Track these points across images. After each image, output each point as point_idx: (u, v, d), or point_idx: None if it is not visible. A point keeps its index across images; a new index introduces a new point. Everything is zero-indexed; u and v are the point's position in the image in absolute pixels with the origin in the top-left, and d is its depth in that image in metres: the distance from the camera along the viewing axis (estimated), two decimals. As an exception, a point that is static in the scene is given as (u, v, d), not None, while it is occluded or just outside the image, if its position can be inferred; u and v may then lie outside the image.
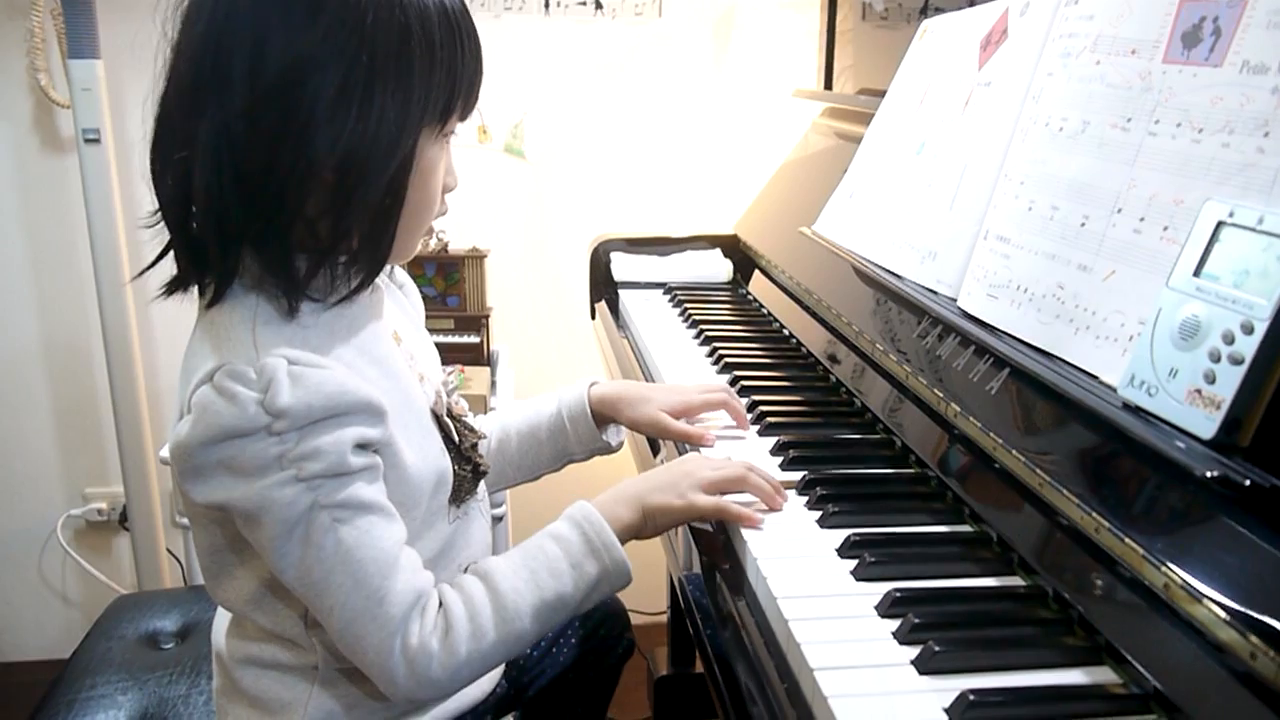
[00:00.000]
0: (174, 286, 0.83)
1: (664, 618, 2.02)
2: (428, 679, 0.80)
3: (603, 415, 1.11)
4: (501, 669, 1.03)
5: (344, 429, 0.76)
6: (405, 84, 0.76)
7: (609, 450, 1.13)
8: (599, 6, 2.05)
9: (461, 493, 0.92)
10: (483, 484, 0.98)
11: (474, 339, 1.95)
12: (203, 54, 0.75)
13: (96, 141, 1.85)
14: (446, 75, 0.79)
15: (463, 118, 0.84)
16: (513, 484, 1.14)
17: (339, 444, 0.75)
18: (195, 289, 0.83)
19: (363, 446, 0.78)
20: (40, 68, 1.90)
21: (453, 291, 1.95)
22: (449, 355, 1.90)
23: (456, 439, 0.92)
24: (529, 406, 1.13)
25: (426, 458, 0.86)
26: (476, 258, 1.95)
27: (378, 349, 0.85)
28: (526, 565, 0.85)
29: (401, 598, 0.79)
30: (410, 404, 0.87)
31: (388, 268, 0.96)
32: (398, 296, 0.99)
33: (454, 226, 1.96)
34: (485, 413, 1.76)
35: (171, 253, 0.82)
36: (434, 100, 0.79)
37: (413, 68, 0.77)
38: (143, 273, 0.83)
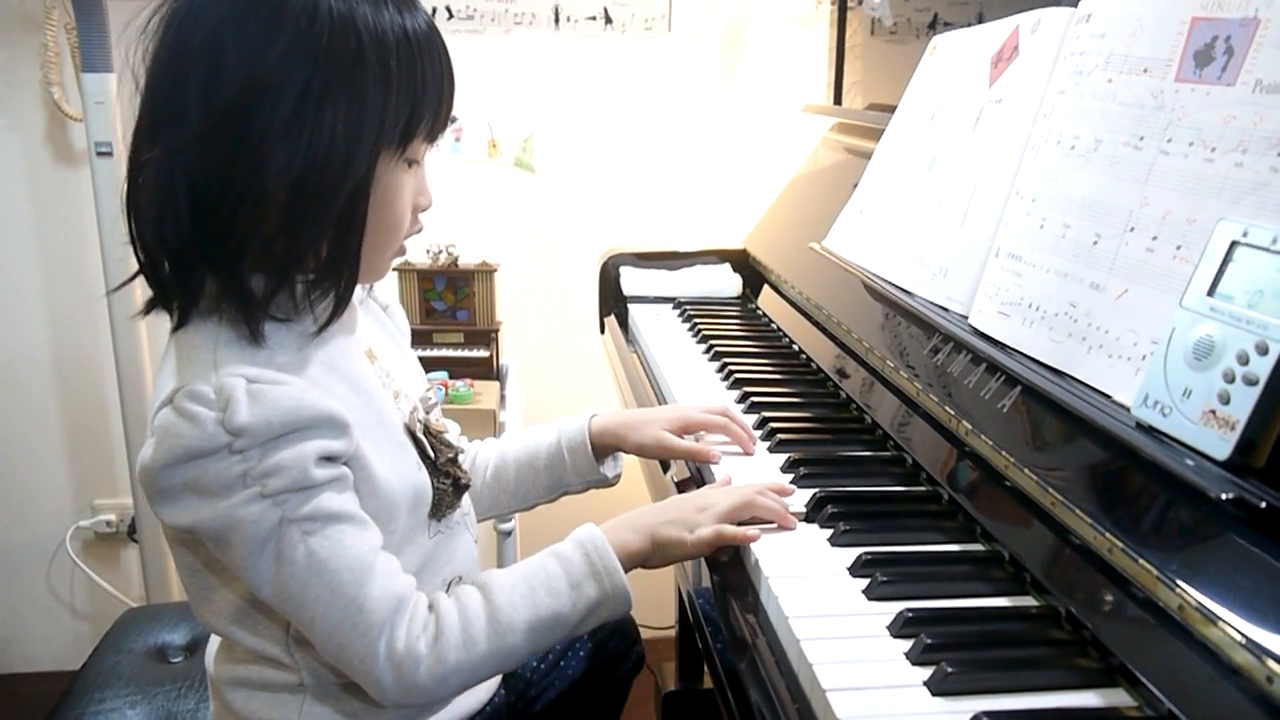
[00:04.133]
0: (150, 306, 0.83)
1: (672, 632, 2.01)
2: (415, 684, 0.80)
3: (603, 446, 1.11)
4: (499, 678, 1.03)
5: (305, 443, 0.76)
6: (357, 106, 0.76)
7: (605, 483, 1.13)
8: (609, 21, 2.06)
9: (442, 507, 0.92)
10: (467, 498, 0.98)
11: (483, 353, 1.95)
12: (160, 82, 0.77)
13: (109, 154, 1.86)
14: (404, 99, 0.79)
15: (430, 140, 0.84)
16: (506, 512, 1.14)
17: (300, 458, 0.75)
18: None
19: (328, 459, 0.78)
20: (54, 81, 1.91)
21: (462, 305, 1.95)
22: (458, 369, 1.90)
23: (432, 454, 0.92)
24: (528, 436, 1.13)
25: (400, 472, 0.86)
26: (486, 272, 1.95)
27: (348, 366, 0.86)
28: (526, 581, 0.85)
29: (380, 603, 0.79)
30: (382, 420, 0.87)
31: (363, 288, 0.96)
32: (380, 316, 0.99)
33: (463, 240, 1.97)
34: (495, 425, 1.77)
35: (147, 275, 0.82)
36: (389, 123, 0.79)
37: (365, 91, 0.76)
38: (115, 290, 0.84)
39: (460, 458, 0.97)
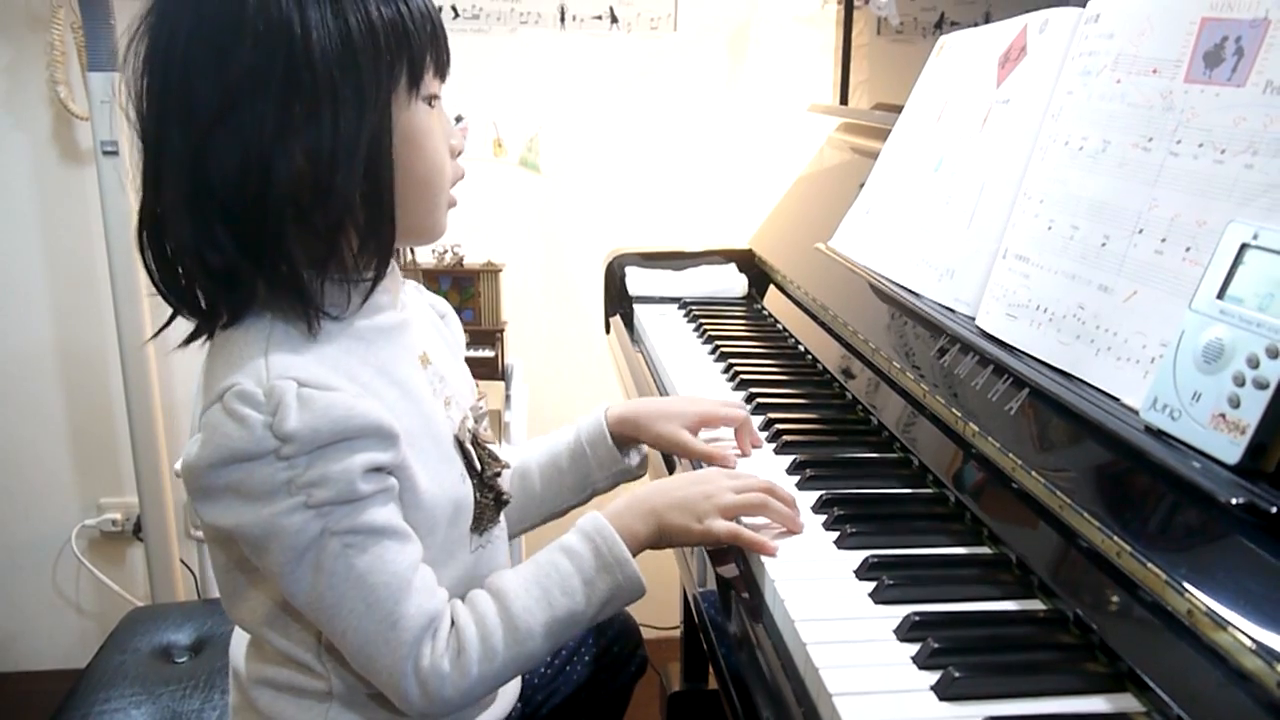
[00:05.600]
0: (192, 337, 0.83)
1: (677, 632, 2.01)
2: (440, 698, 0.80)
3: (623, 436, 1.09)
4: (517, 691, 1.03)
5: (353, 455, 0.75)
6: (354, 74, 0.76)
7: (631, 474, 1.11)
8: (614, 20, 2.06)
9: (483, 521, 0.92)
10: (503, 514, 0.98)
11: (489, 353, 1.95)
12: (153, 109, 0.76)
13: (114, 154, 1.86)
14: (398, 48, 0.78)
15: (441, 77, 0.84)
16: (536, 523, 1.11)
17: (348, 471, 0.75)
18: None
19: (375, 470, 0.77)
20: (60, 80, 1.92)
21: (468, 305, 1.95)
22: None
23: (479, 466, 0.91)
24: (548, 439, 1.12)
25: (443, 484, 0.85)
26: (491, 272, 1.95)
27: (399, 371, 0.85)
28: (539, 583, 0.85)
29: (414, 621, 0.79)
30: (430, 428, 0.86)
31: (421, 291, 0.96)
32: (436, 323, 0.98)
33: (469, 240, 1.97)
34: (500, 426, 1.77)
35: (184, 303, 0.82)
36: (388, 76, 0.78)
37: (357, 55, 0.75)
38: (157, 334, 0.84)
39: (505, 473, 0.96)
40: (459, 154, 0.88)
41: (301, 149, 0.75)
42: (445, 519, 0.86)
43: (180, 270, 0.80)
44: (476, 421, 0.94)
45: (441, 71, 0.84)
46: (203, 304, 0.81)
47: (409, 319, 0.89)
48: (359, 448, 0.76)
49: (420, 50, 0.80)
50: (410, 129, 0.81)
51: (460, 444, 0.89)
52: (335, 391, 0.76)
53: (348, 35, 0.75)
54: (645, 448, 1.13)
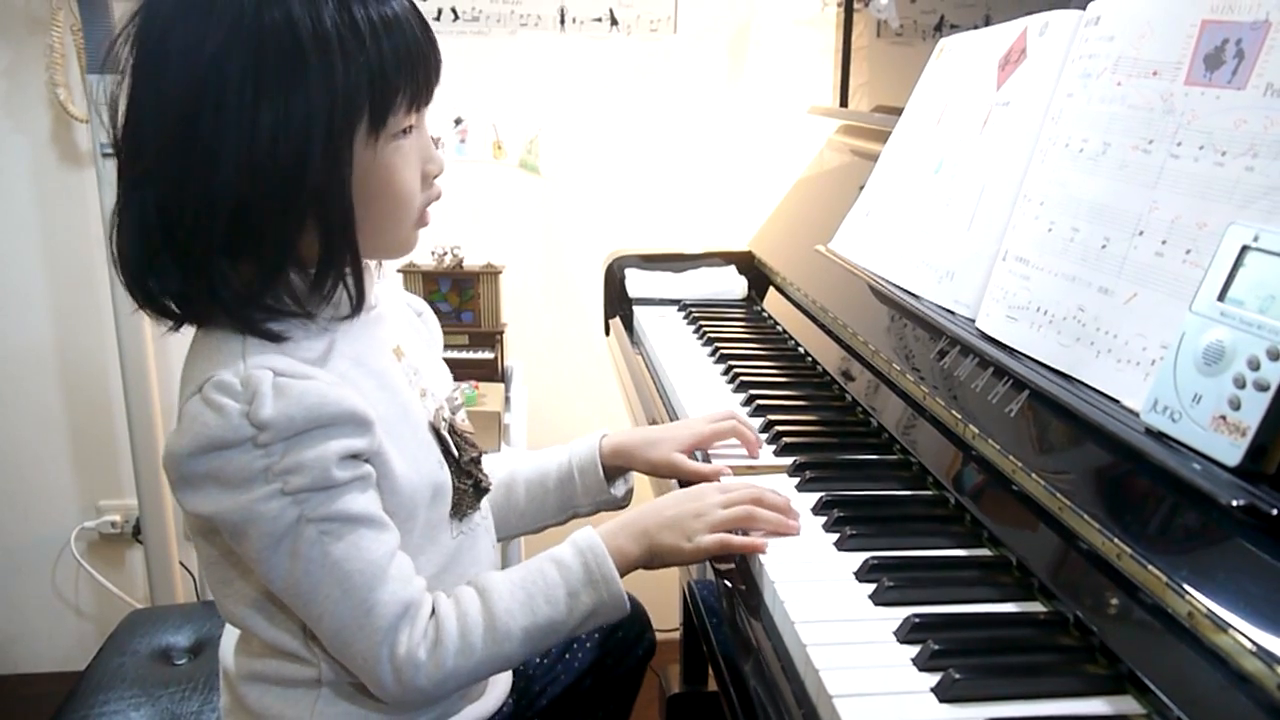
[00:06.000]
0: (178, 325, 0.84)
1: (676, 634, 2.01)
2: (414, 687, 0.82)
3: (614, 467, 1.10)
4: (509, 686, 1.03)
5: (329, 441, 0.76)
6: (299, 100, 0.74)
7: (615, 504, 1.12)
8: (614, 23, 2.06)
9: (463, 507, 0.93)
10: (486, 502, 0.98)
11: (488, 355, 1.95)
12: (129, 110, 0.78)
13: (114, 156, 1.85)
14: (359, 74, 0.76)
15: (418, 109, 0.82)
16: (516, 534, 1.12)
17: (323, 458, 0.76)
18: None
19: (351, 458, 0.78)
20: (59, 82, 1.91)
21: (467, 307, 1.95)
22: (463, 371, 1.89)
23: (456, 453, 0.92)
24: (540, 456, 1.13)
25: (420, 469, 0.86)
26: (491, 274, 1.95)
27: (375, 361, 0.86)
28: (524, 588, 0.86)
29: (389, 609, 0.80)
30: (407, 416, 0.87)
31: (398, 289, 0.97)
32: (413, 321, 0.99)
33: (469, 243, 1.96)
34: (499, 428, 1.77)
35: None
36: (343, 109, 0.76)
37: (306, 83, 0.74)
38: (135, 311, 0.84)
39: (483, 459, 0.97)
40: (437, 176, 0.87)
41: (242, 177, 0.74)
42: (424, 503, 0.87)
43: (140, 277, 0.80)
44: (453, 412, 0.95)
45: (417, 102, 0.82)
46: (173, 308, 0.82)
47: (383, 314, 0.90)
48: (334, 434, 0.77)
49: (389, 89, 0.78)
50: (375, 167, 0.80)
51: (436, 431, 0.91)
52: (310, 380, 0.77)
53: (300, 63, 0.74)
54: (632, 478, 1.14)
